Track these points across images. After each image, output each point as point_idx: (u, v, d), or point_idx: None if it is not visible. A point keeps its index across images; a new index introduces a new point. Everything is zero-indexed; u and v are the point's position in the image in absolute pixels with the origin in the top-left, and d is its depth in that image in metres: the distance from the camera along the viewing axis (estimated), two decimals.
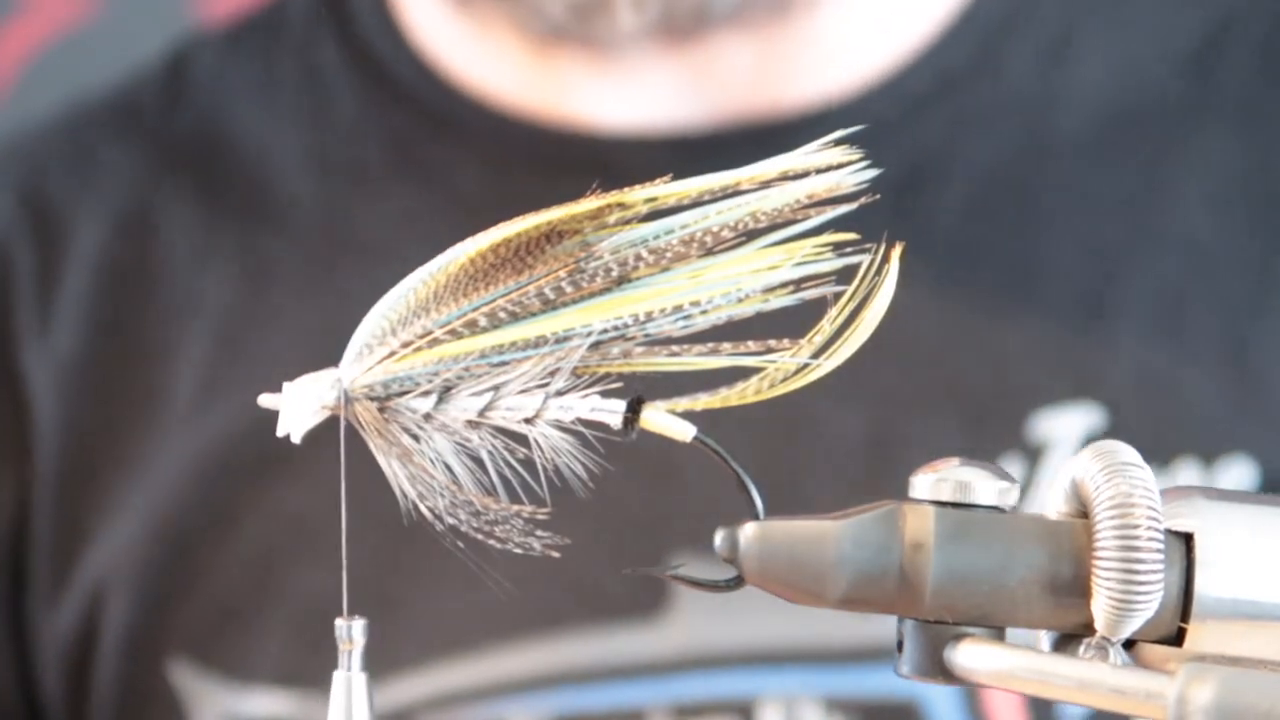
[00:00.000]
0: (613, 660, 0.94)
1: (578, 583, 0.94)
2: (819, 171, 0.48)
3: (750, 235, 0.49)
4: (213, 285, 1.01)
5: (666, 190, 0.48)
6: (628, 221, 0.49)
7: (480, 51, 1.01)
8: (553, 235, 0.49)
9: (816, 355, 0.49)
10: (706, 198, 0.49)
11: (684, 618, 0.95)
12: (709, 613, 0.94)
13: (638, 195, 0.48)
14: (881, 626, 0.93)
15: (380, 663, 0.96)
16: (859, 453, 0.94)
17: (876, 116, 0.97)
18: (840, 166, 0.48)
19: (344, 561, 0.52)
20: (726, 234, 0.49)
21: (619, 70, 0.98)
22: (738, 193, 0.48)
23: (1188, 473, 0.93)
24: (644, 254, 0.49)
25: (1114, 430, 0.94)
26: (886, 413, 0.95)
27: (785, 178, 0.48)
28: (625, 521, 0.93)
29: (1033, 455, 0.94)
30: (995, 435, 0.95)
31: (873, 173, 0.48)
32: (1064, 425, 0.94)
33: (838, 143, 0.49)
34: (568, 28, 0.96)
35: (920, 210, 0.97)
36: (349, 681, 0.51)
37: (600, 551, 0.91)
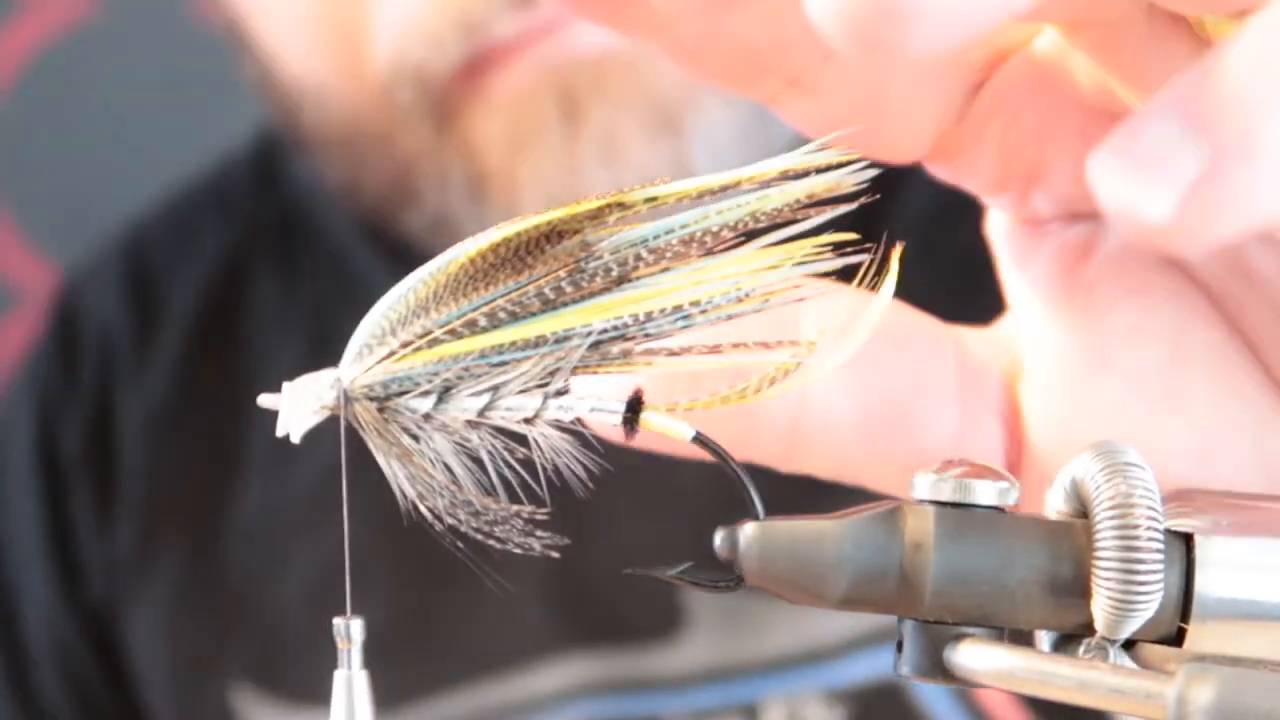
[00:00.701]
0: (633, 675, 0.97)
1: (601, 608, 0.97)
2: (819, 171, 0.49)
3: (750, 235, 0.49)
4: (286, 355, 1.06)
5: (667, 190, 0.48)
6: (628, 221, 0.49)
7: None
8: (553, 235, 0.49)
9: (819, 354, 0.49)
10: (707, 198, 0.49)
11: (697, 636, 0.97)
12: (720, 631, 0.97)
13: (638, 195, 0.49)
14: (863, 617, 0.95)
15: (421, 685, 1.00)
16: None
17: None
18: (839, 166, 0.48)
19: (346, 560, 0.52)
20: (726, 234, 0.49)
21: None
22: (738, 192, 0.49)
23: None
24: (644, 254, 0.49)
25: None
26: None
27: (785, 177, 0.49)
28: (640, 552, 0.94)
29: None
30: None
31: (872, 171, 0.48)
32: None
33: (835, 144, 0.49)
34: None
35: (889, 210, 0.98)
36: (349, 680, 0.52)
37: (621, 579, 0.94)
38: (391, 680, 0.99)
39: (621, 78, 0.96)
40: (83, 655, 1.08)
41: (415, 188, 1.02)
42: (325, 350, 1.07)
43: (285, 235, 1.11)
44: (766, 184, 0.49)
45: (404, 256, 1.05)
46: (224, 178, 1.16)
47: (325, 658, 1.01)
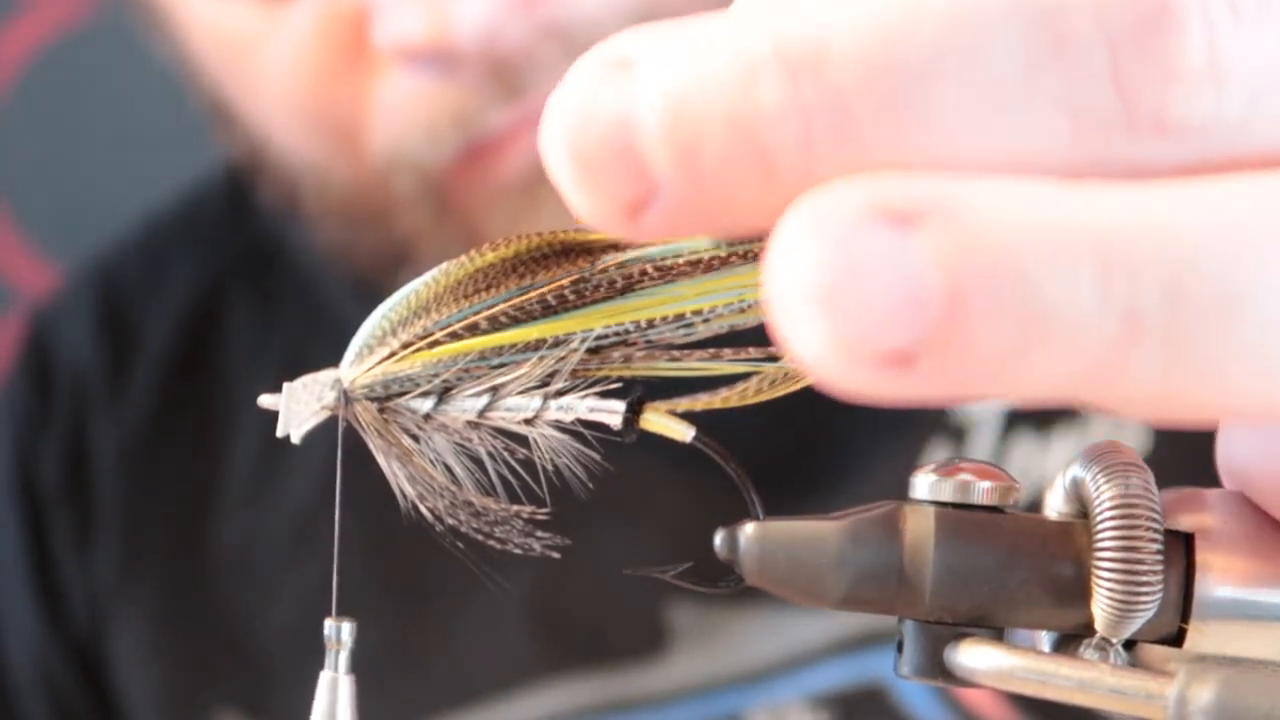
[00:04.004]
0: (616, 697, 0.97)
1: (583, 632, 0.97)
2: None
3: (757, 256, 0.49)
4: (262, 386, 1.06)
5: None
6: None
7: None
8: (560, 251, 0.49)
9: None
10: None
11: (680, 655, 0.97)
12: (702, 648, 0.97)
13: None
14: (846, 621, 0.96)
15: (406, 712, 1.00)
16: (791, 454, 0.96)
17: None
18: None
19: (335, 560, 0.52)
20: (735, 260, 0.49)
21: None
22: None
23: (1065, 440, 0.96)
24: (649, 270, 0.49)
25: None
26: (809, 414, 0.97)
27: None
28: (622, 574, 0.95)
29: (957, 436, 0.96)
30: (918, 423, 0.96)
31: None
32: (983, 404, 0.97)
33: None
34: None
35: None
36: (334, 682, 0.51)
37: (604, 602, 0.94)
38: (376, 708, 0.99)
39: None
40: (68, 683, 1.09)
41: (411, 261, 1.02)
42: None
43: (259, 265, 1.11)
44: None
45: (377, 285, 1.06)
46: (195, 208, 1.16)
47: (312, 686, 1.02)
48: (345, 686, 0.51)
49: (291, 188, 1.04)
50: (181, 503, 1.08)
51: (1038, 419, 0.96)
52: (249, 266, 1.12)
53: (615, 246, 0.49)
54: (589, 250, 0.49)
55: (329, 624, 0.51)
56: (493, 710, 0.98)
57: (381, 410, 0.51)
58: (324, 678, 0.51)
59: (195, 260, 1.13)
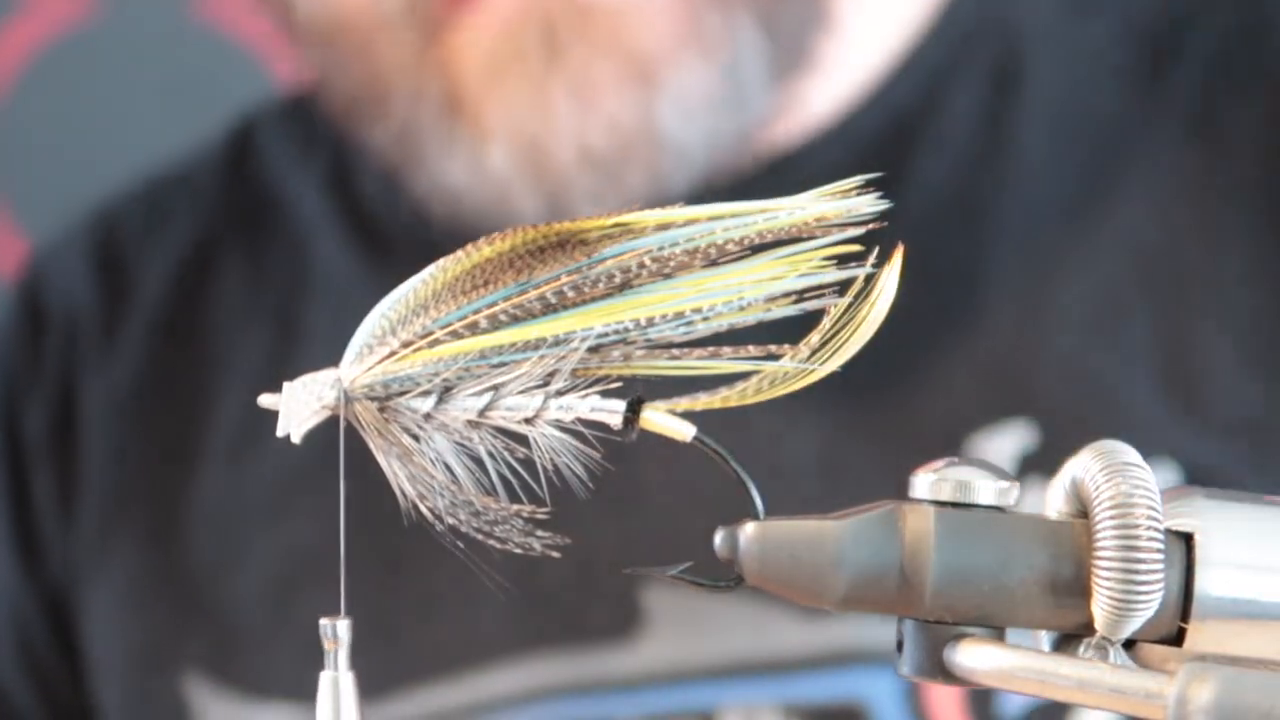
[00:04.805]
0: (589, 677, 0.97)
1: (559, 609, 0.97)
2: (830, 197, 0.49)
3: (755, 249, 0.49)
4: (251, 343, 1.06)
5: (677, 214, 0.49)
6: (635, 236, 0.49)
7: None
8: (557, 243, 0.49)
9: (816, 359, 0.49)
10: (717, 223, 0.49)
11: (655, 638, 0.97)
12: (677, 634, 0.97)
13: (648, 218, 0.49)
14: (829, 634, 0.96)
15: (379, 685, 1.00)
16: (810, 477, 0.96)
17: (827, 160, 0.99)
18: (852, 194, 0.49)
19: (342, 560, 0.52)
20: (731, 248, 0.49)
21: None
22: (747, 214, 0.49)
23: None
24: (647, 262, 0.49)
25: (1046, 443, 0.96)
26: (833, 436, 0.96)
27: (796, 208, 0.49)
28: (601, 552, 0.94)
29: None
30: (931, 460, 0.96)
31: (886, 204, 0.49)
32: (999, 445, 0.96)
33: (845, 188, 0.49)
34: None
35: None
36: (335, 681, 0.51)
37: (579, 580, 0.94)
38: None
39: (606, 24, 0.97)
40: (40, 634, 1.08)
41: (387, 98, 1.01)
42: (290, 340, 1.08)
43: (253, 224, 1.11)
44: (775, 213, 0.49)
45: (368, 237, 1.05)
46: (195, 165, 1.16)
47: (281, 651, 1.02)
48: (348, 684, 0.51)
49: (285, 8, 1.03)
50: (165, 459, 1.07)
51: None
52: (243, 224, 1.11)
53: (611, 236, 0.49)
54: (585, 241, 0.49)
55: (324, 622, 0.51)
56: (461, 686, 0.98)
57: (382, 410, 0.51)
58: (325, 677, 0.51)
59: (191, 216, 1.12)
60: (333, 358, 1.09)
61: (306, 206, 1.08)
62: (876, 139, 1.00)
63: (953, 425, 0.97)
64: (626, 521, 0.97)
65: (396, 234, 1.06)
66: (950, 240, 0.99)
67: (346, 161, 1.08)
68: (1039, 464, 0.95)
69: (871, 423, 0.97)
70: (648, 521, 0.98)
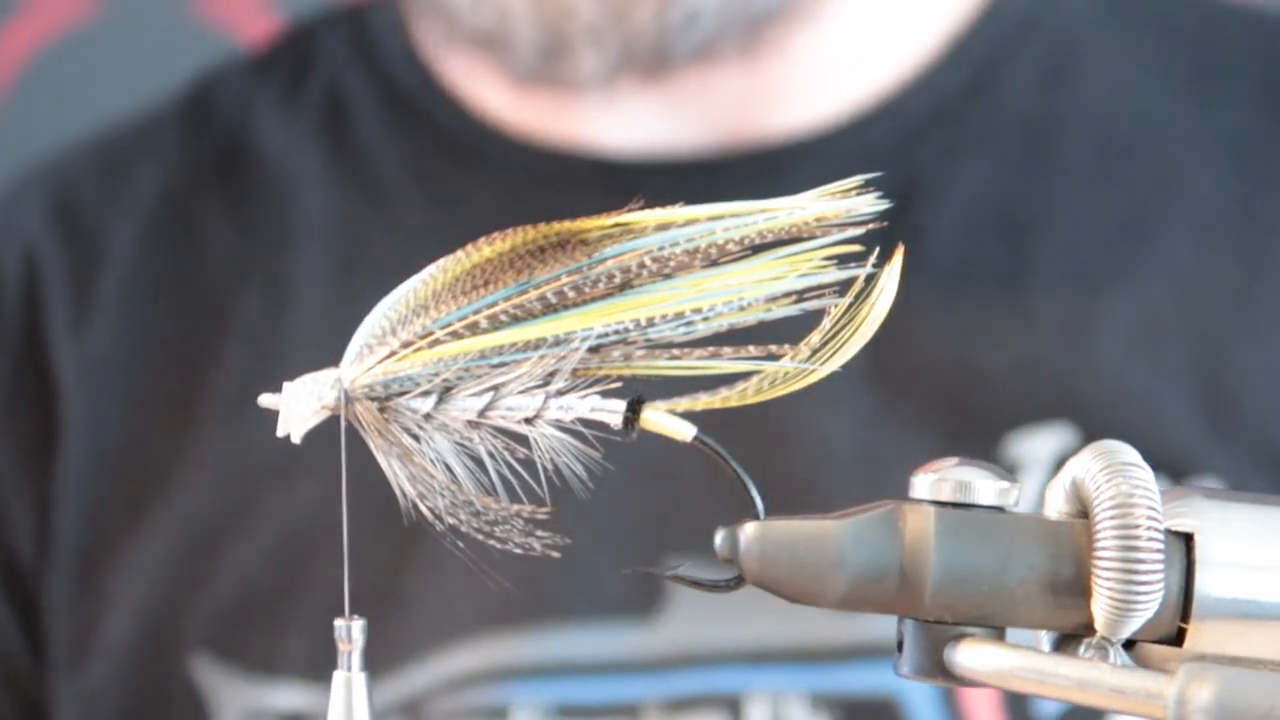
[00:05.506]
0: (610, 655, 0.96)
1: (581, 578, 0.95)
2: (831, 196, 0.49)
3: (755, 249, 0.49)
4: (243, 298, 1.04)
5: (677, 214, 0.49)
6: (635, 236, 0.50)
7: (483, 82, 1.02)
8: (558, 243, 0.49)
9: (817, 359, 0.49)
10: (716, 223, 0.49)
11: (679, 617, 0.96)
12: (702, 613, 0.96)
13: (647, 218, 0.49)
14: (863, 626, 0.95)
15: (394, 652, 0.98)
16: (846, 468, 0.96)
17: (872, 142, 0.99)
18: (850, 194, 0.49)
19: (345, 562, 0.52)
20: (731, 247, 0.49)
21: (601, 104, 1.00)
22: (747, 214, 0.49)
23: None
24: (647, 262, 0.49)
25: (1085, 446, 0.95)
26: (871, 429, 0.96)
27: (796, 208, 0.49)
28: (628, 520, 0.94)
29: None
30: (969, 455, 0.96)
31: (884, 205, 0.49)
32: (1038, 446, 0.96)
33: (846, 187, 0.49)
34: (539, 70, 0.97)
35: (913, 230, 0.98)
36: (349, 681, 0.51)
37: (603, 548, 0.93)
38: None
39: None
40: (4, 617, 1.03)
41: None
42: (284, 295, 1.06)
43: (228, 173, 1.07)
44: (775, 213, 0.49)
45: (366, 185, 1.03)
46: (152, 121, 1.12)
47: (291, 625, 1.00)
48: (360, 684, 0.51)
49: None
50: (158, 422, 1.04)
51: None
52: (217, 174, 1.07)
53: (611, 236, 0.49)
54: (585, 241, 0.49)
55: (339, 624, 0.51)
56: (480, 650, 0.96)
57: (382, 410, 0.51)
58: (338, 677, 0.51)
59: (156, 167, 1.08)
60: (329, 302, 1.07)
61: (285, 153, 1.06)
62: (920, 123, 0.99)
63: (993, 422, 0.96)
64: (656, 492, 0.96)
65: (421, 101, 1.05)
66: (995, 237, 0.99)
67: (343, 102, 1.07)
68: None
69: (912, 413, 0.97)
70: (680, 492, 0.96)
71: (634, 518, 0.95)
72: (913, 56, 1.00)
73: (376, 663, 0.99)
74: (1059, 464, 0.96)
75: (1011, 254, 0.99)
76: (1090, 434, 0.95)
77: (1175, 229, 0.98)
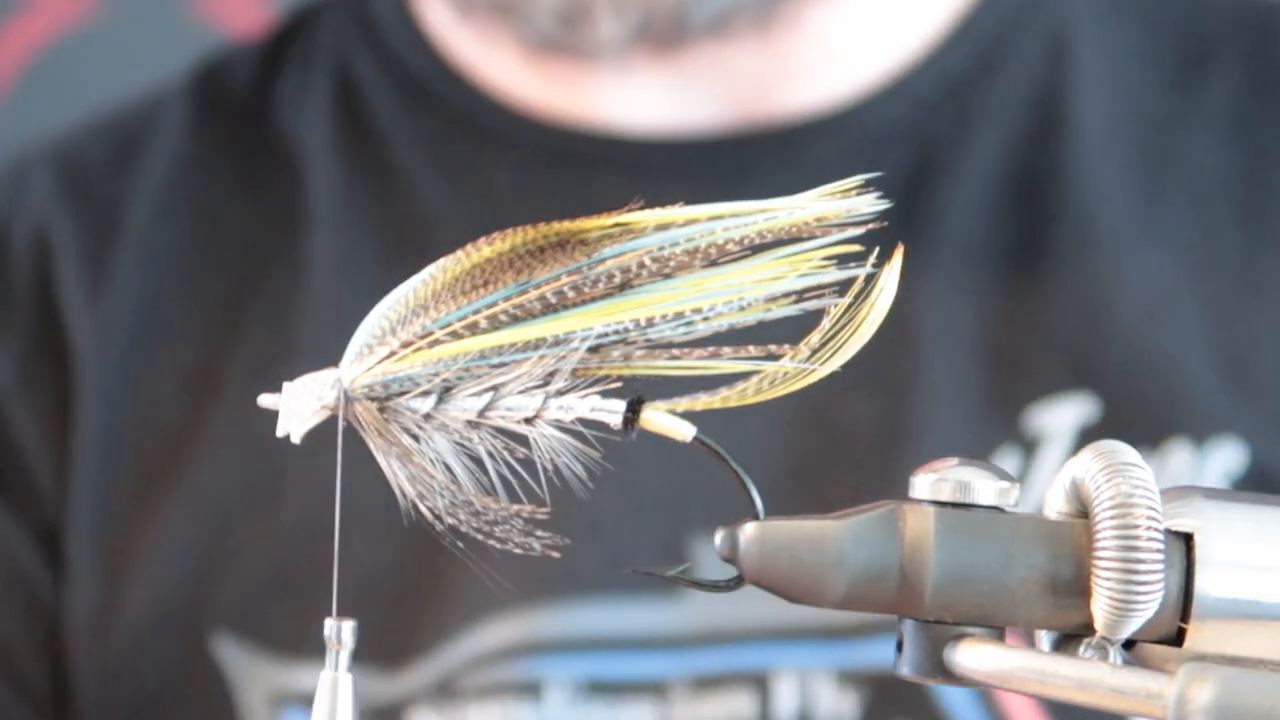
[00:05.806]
0: (638, 630, 0.96)
1: (611, 551, 0.95)
2: (831, 196, 0.49)
3: (755, 249, 0.49)
4: (262, 277, 1.04)
5: (677, 214, 0.49)
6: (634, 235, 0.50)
7: (495, 57, 1.02)
8: (557, 243, 0.49)
9: (817, 358, 0.49)
10: (717, 223, 0.49)
11: (704, 594, 0.96)
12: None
13: (647, 218, 0.49)
14: None
15: (427, 631, 0.98)
16: (873, 443, 0.96)
17: (885, 119, 0.99)
18: (852, 192, 0.49)
19: (335, 563, 0.52)
20: (731, 247, 0.49)
21: (615, 77, 1.00)
22: (747, 214, 0.49)
23: (1180, 455, 0.95)
24: (647, 262, 0.49)
25: (1107, 417, 0.96)
26: (894, 403, 0.96)
27: (796, 207, 0.49)
28: (657, 494, 0.94)
29: (1029, 448, 0.96)
30: (992, 427, 0.96)
31: (884, 205, 0.49)
32: (1059, 417, 0.96)
33: (846, 187, 0.49)
34: (556, 38, 0.97)
35: (929, 206, 0.98)
36: (334, 682, 0.51)
37: (631, 523, 0.93)
38: (391, 629, 0.97)
39: None
40: (30, 572, 1.02)
41: None
42: (302, 275, 1.06)
43: (241, 154, 1.07)
44: (776, 213, 0.49)
45: (369, 158, 1.03)
46: (160, 101, 1.11)
47: (317, 606, 0.99)
48: (345, 686, 0.51)
49: None
50: (183, 401, 1.03)
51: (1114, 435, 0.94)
52: (228, 152, 1.07)
53: (611, 236, 0.49)
54: (585, 241, 0.49)
55: (329, 624, 0.51)
56: (510, 624, 0.96)
57: (382, 410, 0.51)
58: (324, 678, 0.51)
59: (169, 143, 1.08)
60: (345, 282, 1.07)
61: (298, 135, 1.06)
62: (933, 99, 1.00)
63: (1015, 393, 0.97)
64: (684, 468, 0.96)
65: (429, 81, 1.05)
66: (1012, 207, 1.00)
67: (352, 83, 1.06)
68: (1099, 437, 0.95)
69: (933, 387, 0.97)
70: (707, 465, 0.96)
71: (662, 492, 0.95)
72: (921, 35, 1.01)
73: (410, 644, 1.00)
74: (1080, 435, 0.96)
75: (1028, 224, 0.99)
76: (1111, 403, 0.96)
77: (1174, 202, 0.99)
